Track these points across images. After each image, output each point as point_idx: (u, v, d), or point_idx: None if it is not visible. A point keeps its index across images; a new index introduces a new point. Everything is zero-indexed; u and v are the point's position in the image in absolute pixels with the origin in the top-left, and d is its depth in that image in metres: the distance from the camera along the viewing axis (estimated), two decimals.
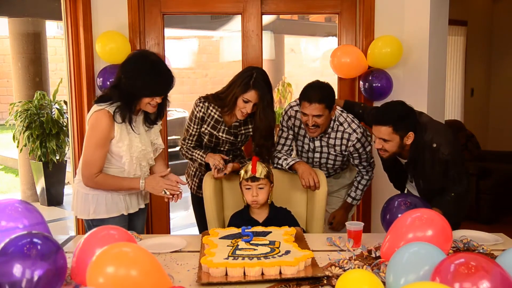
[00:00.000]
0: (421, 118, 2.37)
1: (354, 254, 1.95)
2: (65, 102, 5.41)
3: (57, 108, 5.57)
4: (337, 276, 1.70)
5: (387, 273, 1.52)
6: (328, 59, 3.33)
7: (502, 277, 1.29)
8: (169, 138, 4.36)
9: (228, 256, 1.80)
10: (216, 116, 2.56)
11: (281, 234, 2.06)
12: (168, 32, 5.09)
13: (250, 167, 2.32)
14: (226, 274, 1.71)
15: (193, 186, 2.78)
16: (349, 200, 2.76)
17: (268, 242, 1.96)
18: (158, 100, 2.22)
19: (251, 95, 2.43)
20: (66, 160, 5.80)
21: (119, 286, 1.31)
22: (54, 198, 5.78)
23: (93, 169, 2.22)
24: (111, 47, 3.11)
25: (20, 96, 5.78)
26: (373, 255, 1.92)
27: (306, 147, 2.69)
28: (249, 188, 2.32)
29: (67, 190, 5.98)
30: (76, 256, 1.54)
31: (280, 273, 1.71)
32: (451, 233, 1.75)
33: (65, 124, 5.53)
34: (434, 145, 2.26)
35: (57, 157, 5.53)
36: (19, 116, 5.43)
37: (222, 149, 2.64)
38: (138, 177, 2.30)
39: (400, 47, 3.21)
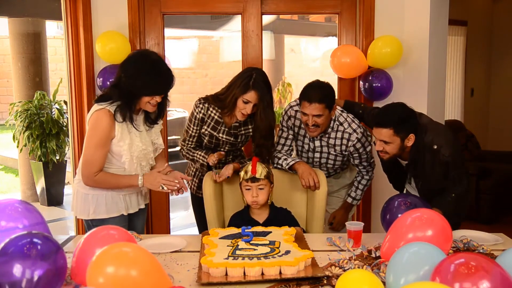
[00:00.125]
0: (421, 120, 2.36)
1: (354, 254, 1.95)
2: (65, 102, 5.40)
3: (57, 108, 5.57)
4: (337, 276, 1.70)
5: (387, 273, 1.52)
6: (328, 59, 3.33)
7: (502, 277, 1.29)
8: (169, 138, 4.35)
9: (228, 256, 1.80)
10: (216, 117, 2.56)
11: (281, 234, 2.06)
12: (168, 32, 5.09)
13: (250, 167, 2.32)
14: (226, 274, 1.71)
15: (193, 186, 2.78)
16: (349, 200, 2.76)
17: (268, 242, 1.96)
18: (158, 99, 2.22)
19: (251, 95, 2.43)
20: (66, 160, 5.80)
21: (119, 286, 1.31)
22: (54, 198, 5.78)
23: (93, 169, 2.21)
24: (111, 47, 3.11)
25: (20, 96, 5.78)
26: (373, 255, 1.92)
27: (306, 147, 2.69)
28: (249, 189, 2.32)
29: (67, 190, 5.98)
30: (76, 256, 1.54)
31: (280, 273, 1.71)
32: (451, 233, 1.75)
33: (65, 124, 5.53)
34: (435, 147, 2.26)
35: (57, 157, 5.53)
36: (19, 116, 5.43)
37: (222, 150, 2.64)
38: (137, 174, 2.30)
39: (400, 47, 3.21)
